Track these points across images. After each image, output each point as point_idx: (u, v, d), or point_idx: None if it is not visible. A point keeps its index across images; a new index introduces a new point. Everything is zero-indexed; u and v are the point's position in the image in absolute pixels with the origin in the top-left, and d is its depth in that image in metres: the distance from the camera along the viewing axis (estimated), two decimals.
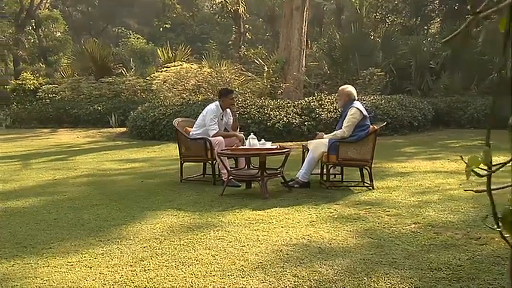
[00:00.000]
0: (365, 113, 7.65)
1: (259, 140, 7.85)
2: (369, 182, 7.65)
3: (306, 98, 15.87)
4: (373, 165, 7.77)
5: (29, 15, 32.66)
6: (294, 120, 14.25)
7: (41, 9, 34.48)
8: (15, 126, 21.41)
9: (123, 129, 17.72)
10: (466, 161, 1.45)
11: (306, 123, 14.31)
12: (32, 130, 19.69)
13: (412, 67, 19.87)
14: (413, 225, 5.60)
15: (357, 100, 7.87)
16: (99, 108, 20.22)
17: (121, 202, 7.03)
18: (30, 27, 34.65)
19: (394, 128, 15.09)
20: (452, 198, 6.78)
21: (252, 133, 8.02)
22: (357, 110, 7.59)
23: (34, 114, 21.61)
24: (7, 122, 22.02)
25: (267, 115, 14.42)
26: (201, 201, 7.00)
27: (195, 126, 8.45)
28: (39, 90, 22.52)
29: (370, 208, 6.40)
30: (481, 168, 1.51)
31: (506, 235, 1.48)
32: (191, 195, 7.39)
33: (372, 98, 16.05)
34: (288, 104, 15.09)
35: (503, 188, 1.66)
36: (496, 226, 1.49)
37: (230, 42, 28.44)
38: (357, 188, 7.76)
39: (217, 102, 8.39)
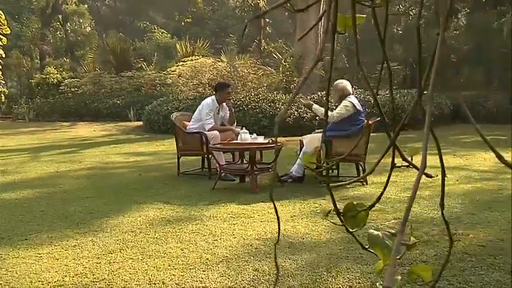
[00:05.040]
0: (359, 107, 7.59)
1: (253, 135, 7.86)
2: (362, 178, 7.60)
3: (319, 92, 15.78)
4: (375, 161, 7.67)
5: (55, 10, 33.14)
6: (305, 115, 14.18)
7: (67, 4, 34.94)
8: (37, 120, 21.80)
9: (140, 123, 17.88)
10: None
11: (317, 117, 14.22)
12: (52, 123, 20.00)
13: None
14: (392, 221, 5.55)
15: (352, 94, 7.81)
16: (118, 102, 20.45)
17: (112, 195, 7.12)
18: (58, 22, 35.13)
19: (408, 123, 14.78)
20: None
21: (244, 127, 8.02)
22: (350, 103, 7.54)
23: (56, 108, 21.99)
24: (30, 115, 22.42)
25: (278, 109, 14.40)
26: (191, 194, 7.05)
27: (192, 120, 8.49)
28: (62, 84, 22.88)
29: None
30: (314, 163, 1.51)
31: (352, 230, 1.48)
32: (183, 188, 7.44)
33: (386, 92, 15.87)
34: (300, 98, 15.01)
35: (342, 184, 1.65)
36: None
37: (243, 36, 28.40)
38: (351, 183, 7.70)
39: (213, 97, 8.42)
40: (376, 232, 1.44)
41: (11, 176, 8.76)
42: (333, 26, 1.31)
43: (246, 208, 6.23)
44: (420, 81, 1.30)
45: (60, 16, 34.49)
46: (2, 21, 19.19)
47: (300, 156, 7.75)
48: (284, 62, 18.29)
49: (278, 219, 1.20)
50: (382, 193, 1.40)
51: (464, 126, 15.36)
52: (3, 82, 23.90)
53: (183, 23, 36.04)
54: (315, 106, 7.89)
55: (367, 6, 1.36)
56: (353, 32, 1.32)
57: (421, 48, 1.41)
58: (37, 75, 26.08)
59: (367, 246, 1.47)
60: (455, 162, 9.13)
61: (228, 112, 8.56)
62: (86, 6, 39.01)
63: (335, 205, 1.47)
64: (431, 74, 1.25)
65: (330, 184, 1.56)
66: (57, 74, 24.66)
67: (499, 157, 1.14)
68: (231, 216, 5.87)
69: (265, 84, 17.40)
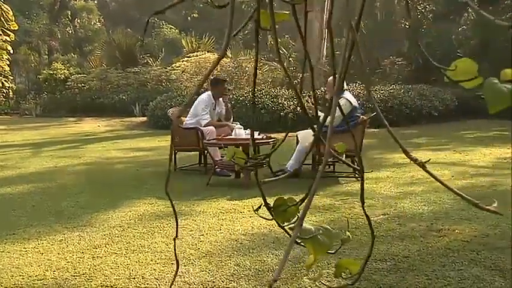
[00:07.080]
0: (354, 103, 7.57)
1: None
2: (358, 173, 7.57)
3: (323, 88, 15.72)
4: (374, 156, 7.69)
5: (63, 6, 33.31)
6: (308, 110, 14.14)
7: (76, 0, 35.10)
8: (44, 115, 21.89)
9: (145, 119, 17.92)
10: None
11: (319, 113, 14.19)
12: (58, 119, 20.06)
13: (439, 56, 19.49)
14: (381, 216, 5.53)
15: (346, 90, 7.80)
16: (124, 97, 20.50)
17: (106, 190, 7.17)
18: (66, 18, 35.29)
19: (412, 119, 14.85)
20: (436, 190, 6.63)
21: (238, 123, 8.02)
22: (346, 101, 7.52)
23: (63, 104, 22.08)
24: (37, 111, 22.54)
25: (281, 105, 14.39)
26: (184, 190, 7.04)
27: (188, 115, 8.50)
28: (69, 80, 22.98)
29: (347, 199, 6.34)
30: (242, 158, 1.52)
31: (284, 225, 1.49)
32: (178, 184, 7.43)
33: (391, 87, 15.82)
34: (303, 94, 14.97)
35: (273, 180, 1.65)
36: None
37: (246, 31, 28.36)
38: (346, 178, 7.67)
39: (209, 92, 8.42)
40: (308, 226, 1.44)
41: (9, 171, 8.82)
42: (257, 22, 1.31)
43: (237, 204, 6.24)
44: (340, 78, 1.30)
45: (68, 12, 34.66)
46: (10, 17, 19.25)
47: (295, 152, 7.75)
48: (289, 57, 18.27)
49: (175, 213, 1.20)
50: (310, 188, 1.41)
51: (469, 122, 15.27)
52: (11, 78, 24.09)
53: (189, 18, 36.06)
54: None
55: (286, 3, 1.35)
56: (272, 28, 1.31)
57: (333, 48, 1.41)
58: (45, 71, 26.18)
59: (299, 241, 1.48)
60: (454, 158, 9.08)
61: (225, 108, 8.56)
62: (95, 1, 39.18)
63: (264, 200, 1.47)
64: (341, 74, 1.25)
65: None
66: (64, 69, 24.76)
67: (406, 153, 1.14)
68: (221, 212, 5.88)
69: (269, 80, 17.39)
